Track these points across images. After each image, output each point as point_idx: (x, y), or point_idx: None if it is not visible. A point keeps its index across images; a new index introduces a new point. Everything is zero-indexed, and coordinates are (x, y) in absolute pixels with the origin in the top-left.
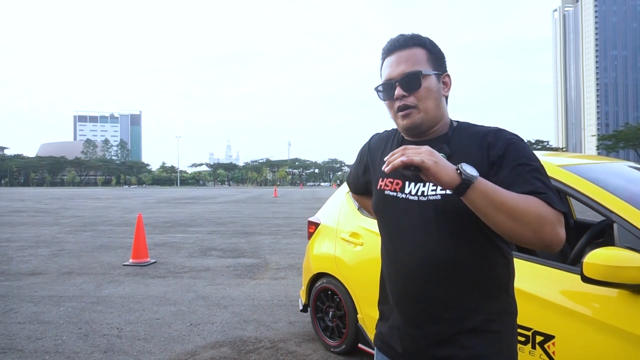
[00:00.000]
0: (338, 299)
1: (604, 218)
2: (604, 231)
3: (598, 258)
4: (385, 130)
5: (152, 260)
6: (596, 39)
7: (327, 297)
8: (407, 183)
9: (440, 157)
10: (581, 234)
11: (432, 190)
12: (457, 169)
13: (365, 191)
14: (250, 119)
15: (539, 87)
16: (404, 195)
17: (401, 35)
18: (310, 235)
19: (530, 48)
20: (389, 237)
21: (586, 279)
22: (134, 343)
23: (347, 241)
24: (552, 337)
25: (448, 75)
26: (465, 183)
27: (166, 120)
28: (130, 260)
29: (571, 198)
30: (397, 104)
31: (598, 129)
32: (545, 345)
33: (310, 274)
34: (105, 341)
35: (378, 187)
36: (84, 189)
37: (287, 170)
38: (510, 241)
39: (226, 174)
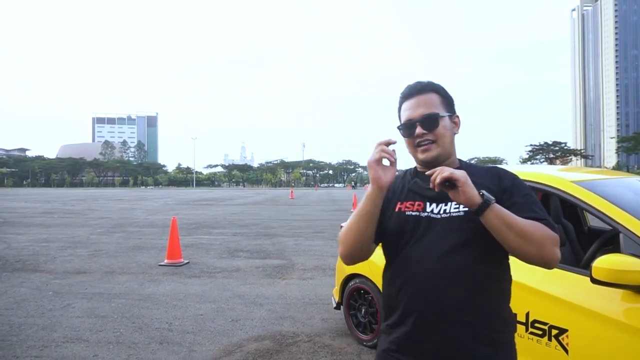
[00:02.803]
0: (370, 298)
1: (611, 228)
2: (612, 239)
3: (605, 263)
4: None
5: (185, 261)
6: (616, 39)
7: (359, 296)
8: (427, 204)
9: (469, 179)
10: (593, 240)
11: (454, 209)
12: (480, 192)
13: (376, 239)
14: (264, 120)
15: (555, 88)
16: (425, 214)
17: (418, 82)
18: None
19: (547, 48)
20: (407, 252)
21: (595, 281)
22: (185, 336)
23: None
24: (566, 330)
25: (457, 117)
26: (486, 203)
27: (182, 122)
28: (166, 261)
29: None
30: (417, 140)
31: (618, 130)
32: (560, 338)
33: (343, 274)
34: (158, 334)
35: (397, 210)
36: (103, 189)
37: (302, 171)
38: (516, 257)
39: (241, 175)
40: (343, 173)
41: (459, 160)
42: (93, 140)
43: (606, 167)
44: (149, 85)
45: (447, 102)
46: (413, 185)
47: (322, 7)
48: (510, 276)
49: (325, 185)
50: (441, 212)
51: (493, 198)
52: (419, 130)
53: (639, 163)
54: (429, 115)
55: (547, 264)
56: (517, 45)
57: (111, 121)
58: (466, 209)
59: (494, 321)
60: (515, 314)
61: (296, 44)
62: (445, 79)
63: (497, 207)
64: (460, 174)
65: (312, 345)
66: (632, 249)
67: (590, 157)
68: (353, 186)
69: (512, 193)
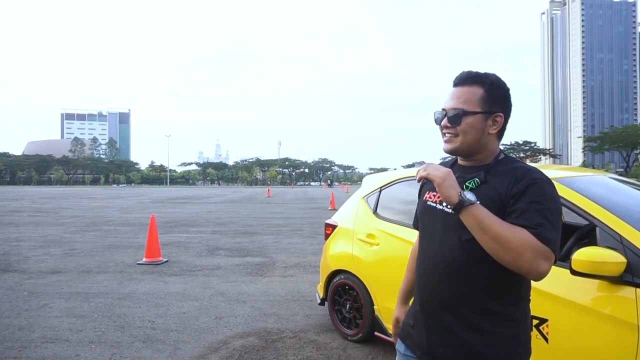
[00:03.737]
0: (355, 293)
1: (587, 222)
2: (588, 233)
3: (584, 255)
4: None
5: (164, 259)
6: (583, 42)
7: (344, 292)
8: None
9: (451, 179)
10: (568, 235)
11: None
12: (459, 193)
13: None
14: (240, 118)
15: (526, 89)
16: (441, 207)
17: (468, 71)
18: (327, 236)
19: (519, 50)
20: (424, 239)
21: (574, 272)
22: (169, 334)
23: (364, 241)
24: (546, 320)
25: (500, 115)
26: (460, 204)
27: (155, 118)
28: (144, 259)
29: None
30: (443, 130)
31: (584, 130)
32: (541, 327)
33: (328, 271)
34: (141, 332)
35: (424, 199)
36: (73, 188)
37: (278, 169)
38: (498, 261)
39: (216, 173)
40: (319, 171)
41: (502, 153)
42: (62, 136)
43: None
44: (121, 80)
45: (492, 99)
46: None
47: (302, 6)
48: (524, 280)
49: (302, 183)
50: None
51: (471, 200)
52: (444, 122)
53: (603, 162)
54: (455, 110)
55: (528, 274)
56: (491, 47)
57: (81, 117)
58: None
59: (493, 316)
60: (527, 312)
61: (276, 42)
62: (423, 78)
63: (475, 209)
64: (436, 175)
65: (297, 341)
66: (607, 242)
67: (558, 157)
68: (329, 185)
69: (518, 199)
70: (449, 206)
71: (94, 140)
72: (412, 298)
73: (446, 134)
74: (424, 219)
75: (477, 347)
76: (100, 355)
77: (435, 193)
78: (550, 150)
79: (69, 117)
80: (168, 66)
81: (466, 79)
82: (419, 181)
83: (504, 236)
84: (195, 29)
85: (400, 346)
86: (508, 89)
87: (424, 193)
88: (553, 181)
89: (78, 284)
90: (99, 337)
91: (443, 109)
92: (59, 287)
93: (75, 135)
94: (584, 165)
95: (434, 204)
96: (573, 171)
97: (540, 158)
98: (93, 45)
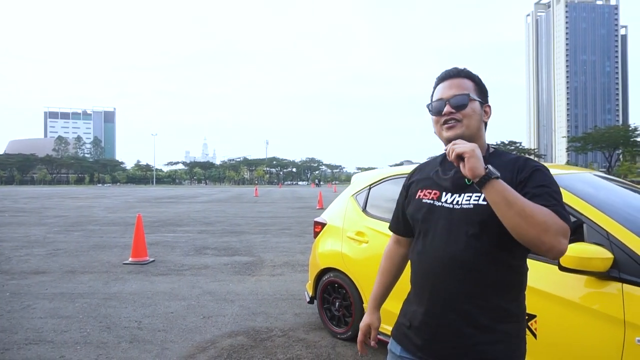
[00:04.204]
0: (344, 291)
1: (575, 219)
2: (575, 230)
3: (572, 251)
4: (426, 161)
5: (151, 259)
6: (567, 44)
7: (333, 290)
8: (443, 193)
9: (478, 151)
10: None
11: (465, 201)
12: (485, 167)
13: (406, 226)
14: (227, 117)
15: (512, 90)
16: (439, 204)
17: (455, 67)
18: (316, 234)
19: (505, 51)
20: (421, 238)
21: (562, 268)
22: (156, 334)
23: (353, 239)
24: (535, 316)
25: (489, 106)
26: (488, 175)
27: (141, 117)
28: (130, 259)
29: None
30: (444, 118)
31: (568, 130)
32: (529, 323)
33: (317, 269)
34: (128, 333)
35: (417, 197)
36: (56, 187)
37: (265, 169)
38: (518, 240)
39: (203, 172)
40: (307, 171)
41: (489, 146)
42: (45, 135)
43: None
44: (106, 78)
45: (481, 90)
46: (434, 174)
47: (292, 6)
48: (524, 270)
49: (289, 183)
50: (453, 202)
51: (497, 173)
52: (447, 108)
53: (586, 162)
54: (460, 95)
55: (550, 251)
56: (478, 47)
57: (65, 116)
58: (476, 201)
59: (496, 312)
60: (525, 308)
61: (263, 42)
62: (411, 78)
63: (500, 183)
64: (467, 148)
65: (286, 339)
66: (595, 238)
67: (543, 156)
68: (317, 184)
69: (526, 184)
70: (448, 201)
71: (78, 139)
72: (385, 300)
73: (449, 121)
74: (420, 217)
75: (483, 345)
76: (85, 356)
77: (430, 190)
78: (535, 150)
79: (52, 115)
80: (155, 64)
81: (458, 73)
82: (456, 160)
83: (529, 209)
84: (183, 28)
85: (395, 348)
86: None
87: (414, 191)
88: None
89: (62, 285)
90: (85, 338)
91: (441, 99)
92: (42, 288)
93: (59, 134)
94: (568, 164)
95: (431, 201)
96: (559, 169)
97: None
98: (78, 42)
